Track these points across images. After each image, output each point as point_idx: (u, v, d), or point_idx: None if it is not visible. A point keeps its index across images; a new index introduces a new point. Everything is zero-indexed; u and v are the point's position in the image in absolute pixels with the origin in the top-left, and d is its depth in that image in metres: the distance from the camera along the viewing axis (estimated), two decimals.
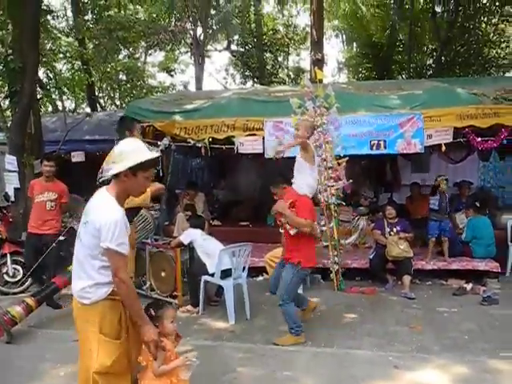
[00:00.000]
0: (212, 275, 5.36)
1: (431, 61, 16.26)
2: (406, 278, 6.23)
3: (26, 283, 6.39)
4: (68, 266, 4.82)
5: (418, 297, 6.02)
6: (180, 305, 5.69)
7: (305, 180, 4.52)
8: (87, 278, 2.53)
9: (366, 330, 4.91)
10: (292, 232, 4.46)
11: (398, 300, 5.97)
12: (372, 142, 6.52)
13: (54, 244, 5.97)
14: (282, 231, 4.92)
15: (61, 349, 4.51)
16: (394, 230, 6.48)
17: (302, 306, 4.97)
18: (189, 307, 5.60)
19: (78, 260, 2.60)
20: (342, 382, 3.74)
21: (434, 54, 15.97)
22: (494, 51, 15.49)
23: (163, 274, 5.92)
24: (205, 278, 5.44)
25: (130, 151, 2.54)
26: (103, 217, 2.44)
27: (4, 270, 6.59)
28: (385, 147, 6.50)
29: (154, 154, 2.62)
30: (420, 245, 7.23)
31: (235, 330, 5.01)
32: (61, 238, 6.15)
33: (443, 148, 6.47)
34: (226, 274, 5.34)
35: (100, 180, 3.87)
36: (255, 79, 19.55)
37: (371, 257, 6.68)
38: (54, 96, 12.34)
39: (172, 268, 5.77)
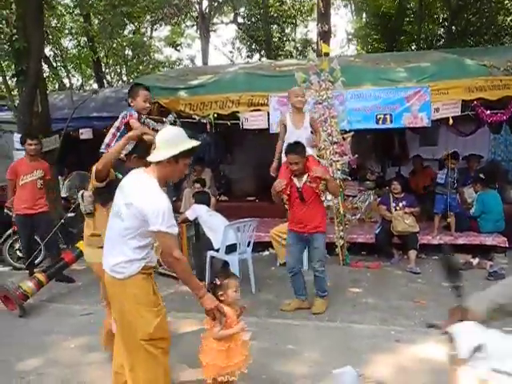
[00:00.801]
0: (217, 250, 5.43)
1: (442, 31, 15.89)
2: (412, 253, 6.25)
3: (37, 260, 6.49)
4: (77, 243, 4.91)
5: (423, 271, 6.05)
6: None
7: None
8: (121, 255, 2.64)
9: (370, 305, 4.97)
10: (322, 197, 4.66)
11: (403, 274, 6.01)
12: (378, 116, 6.46)
13: (62, 220, 6.08)
14: (286, 206, 4.92)
15: (71, 322, 4.65)
16: (400, 204, 6.48)
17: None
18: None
19: (113, 237, 2.70)
20: (343, 356, 3.81)
21: (445, 23, 15.60)
22: (509, 19, 15.06)
23: None
24: (210, 253, 5.52)
25: (175, 139, 2.63)
26: (151, 202, 2.52)
27: (16, 247, 6.74)
28: (391, 121, 6.44)
29: (196, 142, 2.70)
30: (426, 219, 7.22)
31: (241, 304, 5.08)
32: (70, 214, 6.26)
33: (450, 121, 6.39)
34: (231, 249, 5.41)
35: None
36: (262, 52, 19.30)
37: (377, 231, 6.70)
38: (60, 73, 12.33)
39: (178, 243, 5.84)
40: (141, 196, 2.56)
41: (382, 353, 3.84)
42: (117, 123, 3.86)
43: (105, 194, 3.45)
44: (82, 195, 3.57)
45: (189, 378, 3.51)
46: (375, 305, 4.96)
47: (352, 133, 6.37)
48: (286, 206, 4.99)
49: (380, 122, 6.45)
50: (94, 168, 3.43)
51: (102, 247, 2.88)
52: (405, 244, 6.46)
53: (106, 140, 3.85)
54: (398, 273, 6.09)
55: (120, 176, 3.49)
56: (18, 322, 4.77)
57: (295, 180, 4.61)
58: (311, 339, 4.17)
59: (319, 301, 4.82)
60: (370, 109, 6.45)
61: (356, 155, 6.53)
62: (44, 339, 4.30)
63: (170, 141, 2.62)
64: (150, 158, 2.65)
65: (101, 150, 3.79)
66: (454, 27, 14.75)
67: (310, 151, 4.79)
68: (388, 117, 6.41)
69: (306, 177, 4.57)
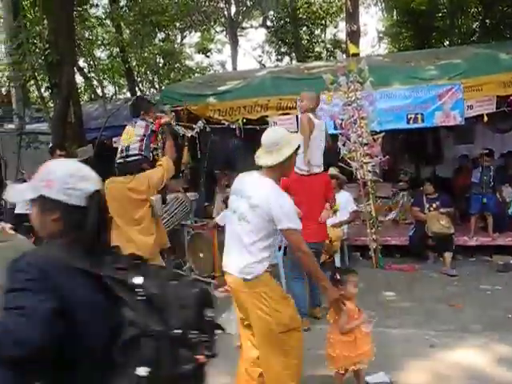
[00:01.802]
0: None
1: (475, 25, 15.42)
2: (447, 255, 6.08)
3: None
4: None
5: (459, 274, 5.88)
6: (219, 285, 5.81)
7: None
8: (250, 256, 2.76)
9: (404, 308, 4.87)
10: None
11: (438, 277, 5.86)
12: (409, 116, 6.33)
13: None
14: None
15: None
16: (434, 205, 6.32)
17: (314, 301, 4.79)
18: (227, 287, 5.70)
19: (239, 239, 2.81)
20: (376, 361, 3.72)
21: (479, 17, 15.14)
22: None
23: (201, 255, 6.06)
24: None
25: (286, 138, 2.79)
26: (278, 203, 2.68)
27: None
28: (422, 120, 6.30)
29: (300, 136, 2.93)
30: (462, 220, 7.02)
31: None
32: None
33: (485, 119, 6.20)
34: None
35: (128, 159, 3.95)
36: (291, 55, 19.27)
37: (411, 233, 6.56)
38: (94, 84, 12.65)
39: (210, 249, 5.89)
40: (266, 197, 2.71)
41: (416, 358, 3.75)
42: (140, 131, 3.95)
43: None
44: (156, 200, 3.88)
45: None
46: (409, 308, 4.86)
47: (383, 134, 6.26)
48: None
49: (411, 121, 6.31)
50: (160, 171, 3.82)
51: None
52: (440, 246, 6.29)
53: (135, 146, 3.93)
54: (433, 275, 5.94)
55: None
56: None
57: None
58: None
59: None
60: (400, 108, 6.33)
61: (387, 156, 6.42)
62: None
63: (283, 142, 2.75)
64: (265, 162, 2.78)
65: (130, 159, 3.88)
66: (487, 21, 14.29)
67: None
68: (419, 116, 6.27)
69: None
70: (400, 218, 7.84)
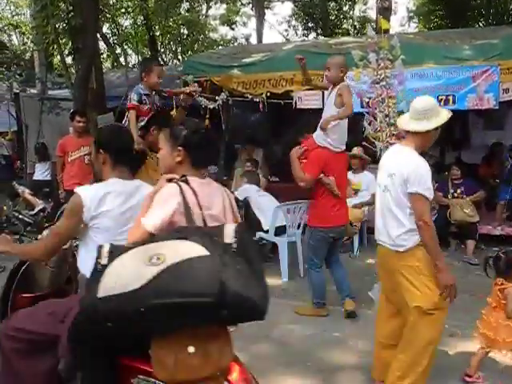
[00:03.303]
0: (266, 232, 5.35)
1: None
2: (470, 243, 5.91)
3: None
4: None
5: (481, 263, 5.70)
6: None
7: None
8: (400, 226, 2.77)
9: None
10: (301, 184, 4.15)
11: (459, 265, 5.70)
12: (439, 97, 6.04)
13: None
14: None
15: None
16: (458, 190, 6.12)
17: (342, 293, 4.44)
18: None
19: (388, 210, 2.84)
20: None
21: None
22: None
23: None
24: (259, 234, 5.45)
25: (437, 109, 2.77)
26: (410, 166, 2.69)
27: None
28: (454, 103, 6.02)
29: (448, 112, 2.82)
30: (487, 209, 6.81)
31: (288, 287, 5.02)
32: None
33: None
34: (280, 230, 5.31)
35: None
36: (318, 31, 18.80)
37: (433, 219, 6.36)
38: (116, 51, 12.54)
39: None
40: (401, 163, 2.74)
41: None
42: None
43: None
44: None
45: None
46: None
47: None
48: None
49: (442, 103, 6.02)
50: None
51: None
52: (463, 233, 6.12)
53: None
54: (455, 263, 5.76)
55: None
56: None
57: None
58: (359, 328, 4.02)
59: (309, 306, 4.39)
60: (431, 89, 6.05)
61: None
62: None
63: (429, 111, 2.71)
64: (414, 127, 2.75)
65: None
66: None
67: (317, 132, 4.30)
68: (450, 98, 6.00)
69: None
70: None
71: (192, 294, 1.57)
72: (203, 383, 1.77)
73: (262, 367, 3.38)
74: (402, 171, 2.70)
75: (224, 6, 20.43)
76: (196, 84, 5.46)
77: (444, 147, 9.38)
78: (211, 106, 7.18)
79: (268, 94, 6.82)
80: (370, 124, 6.16)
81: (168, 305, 1.57)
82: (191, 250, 1.67)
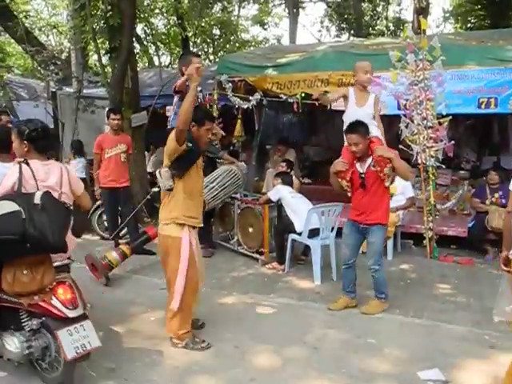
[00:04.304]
0: (300, 234, 5.29)
1: None
2: None
3: (122, 232, 6.67)
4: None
5: None
6: (266, 261, 5.72)
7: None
8: None
9: (461, 304, 4.59)
10: (387, 184, 4.12)
11: (498, 274, 5.46)
12: (481, 100, 5.86)
13: (148, 196, 6.24)
14: (349, 192, 4.34)
15: (151, 295, 4.77)
16: (496, 195, 5.92)
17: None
18: (275, 264, 5.61)
19: None
20: (428, 356, 3.54)
21: None
22: None
23: (251, 229, 5.95)
24: (292, 236, 5.39)
25: None
26: None
27: (104, 217, 7.04)
28: (496, 105, 5.80)
29: None
30: None
31: (320, 290, 4.94)
32: (155, 189, 6.39)
33: None
34: (313, 233, 5.24)
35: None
36: (351, 32, 18.59)
37: (470, 225, 6.18)
38: (150, 51, 12.67)
39: (260, 224, 5.77)
40: None
41: (474, 358, 3.51)
42: (175, 99, 3.82)
43: (182, 164, 3.46)
44: (160, 172, 3.51)
45: None
46: (466, 304, 4.57)
47: (450, 117, 5.87)
48: (348, 194, 4.40)
49: (483, 106, 5.85)
50: (171, 135, 3.38)
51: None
52: (501, 241, 5.89)
53: (170, 116, 3.82)
54: (493, 272, 5.56)
55: (190, 145, 3.45)
56: (104, 290, 4.98)
57: (358, 165, 4.18)
58: (394, 334, 3.92)
59: (374, 302, 4.38)
60: (472, 91, 5.88)
61: (453, 142, 6.03)
62: (126, 309, 4.44)
63: None
64: None
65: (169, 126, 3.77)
66: None
67: (374, 132, 4.21)
68: (492, 100, 5.79)
69: (369, 160, 4.13)
70: (458, 208, 7.44)
71: (5, 233, 2.66)
72: (37, 296, 2.87)
73: (295, 371, 3.34)
74: None
75: (256, 6, 20.43)
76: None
77: (481, 151, 9.12)
78: (245, 106, 7.17)
79: (303, 94, 6.74)
80: (406, 127, 6.07)
81: None
82: (9, 206, 2.72)
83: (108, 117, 6.25)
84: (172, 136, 3.38)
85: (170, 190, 3.51)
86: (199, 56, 4.08)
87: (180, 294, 3.51)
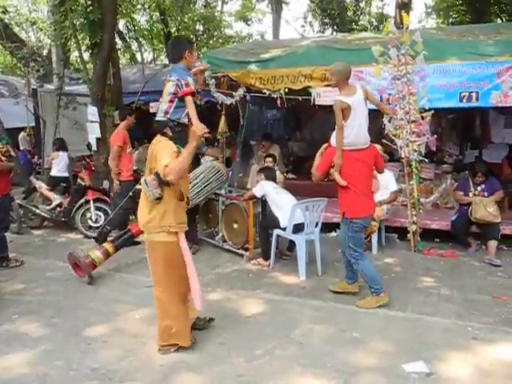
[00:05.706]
0: (284, 229, 5.28)
1: None
2: (492, 244, 5.76)
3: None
4: None
5: (504, 264, 5.56)
6: (251, 257, 5.71)
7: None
8: None
9: (444, 296, 4.63)
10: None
11: (481, 266, 5.56)
12: (462, 94, 5.91)
13: (130, 193, 6.20)
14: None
15: (136, 293, 4.72)
16: (479, 188, 5.98)
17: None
18: (260, 260, 5.61)
19: None
20: (413, 349, 3.56)
21: None
22: None
23: (235, 225, 5.94)
24: (277, 231, 5.38)
25: None
26: None
27: (88, 216, 6.98)
28: (477, 99, 5.86)
29: None
30: (510, 208, 6.65)
31: (306, 286, 4.94)
32: (139, 186, 6.35)
33: None
34: (298, 228, 5.24)
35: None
36: (334, 27, 18.62)
37: (453, 218, 6.24)
38: (132, 47, 12.53)
39: (244, 220, 5.76)
40: None
41: (457, 350, 3.54)
42: (171, 89, 3.54)
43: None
44: (146, 181, 3.31)
45: None
46: (449, 297, 4.62)
47: (432, 111, 5.91)
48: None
49: (464, 99, 5.90)
50: (162, 169, 3.22)
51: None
52: (484, 233, 5.97)
53: (163, 107, 3.52)
54: (476, 264, 5.64)
55: (181, 149, 3.37)
56: (87, 289, 4.92)
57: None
58: (379, 328, 3.94)
59: (369, 297, 4.41)
60: (453, 85, 5.93)
61: (435, 136, 6.08)
62: (110, 308, 4.39)
63: None
64: None
65: (157, 118, 3.55)
66: None
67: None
68: (474, 94, 5.85)
69: None
70: (441, 201, 7.51)
71: None
72: None
73: (282, 367, 3.34)
74: None
75: (239, 2, 20.37)
76: (203, 65, 5.35)
77: (463, 145, 9.22)
78: (228, 102, 7.13)
79: (286, 89, 6.73)
80: (389, 121, 6.10)
81: None
82: None
83: (123, 118, 6.52)
84: (164, 161, 3.23)
85: (160, 198, 3.34)
86: (193, 43, 3.92)
87: (200, 296, 3.48)
